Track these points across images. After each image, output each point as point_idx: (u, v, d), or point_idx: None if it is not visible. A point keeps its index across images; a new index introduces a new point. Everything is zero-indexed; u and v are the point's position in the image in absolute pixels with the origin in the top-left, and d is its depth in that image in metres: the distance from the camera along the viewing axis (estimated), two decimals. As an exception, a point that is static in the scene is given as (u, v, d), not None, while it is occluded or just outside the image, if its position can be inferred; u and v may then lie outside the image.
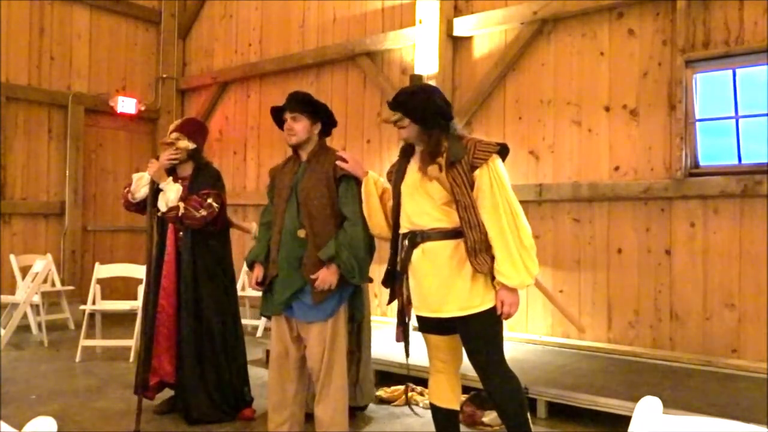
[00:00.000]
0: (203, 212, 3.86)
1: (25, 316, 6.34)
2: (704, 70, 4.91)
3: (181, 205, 3.85)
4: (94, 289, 5.80)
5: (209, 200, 3.89)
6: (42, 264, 6.39)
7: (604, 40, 5.35)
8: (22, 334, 6.47)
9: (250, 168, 8.07)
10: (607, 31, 5.34)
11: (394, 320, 2.97)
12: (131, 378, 4.30)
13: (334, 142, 3.49)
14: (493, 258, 2.62)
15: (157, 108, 8.76)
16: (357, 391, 4.01)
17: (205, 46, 8.72)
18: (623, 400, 3.75)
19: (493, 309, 2.66)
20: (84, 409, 4.21)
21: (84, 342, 5.59)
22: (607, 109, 5.31)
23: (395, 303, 2.94)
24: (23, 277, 6.62)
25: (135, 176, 4.11)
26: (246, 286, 7.04)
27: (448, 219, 2.68)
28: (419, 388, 4.38)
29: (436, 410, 2.91)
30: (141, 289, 5.44)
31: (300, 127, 3.24)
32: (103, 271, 5.90)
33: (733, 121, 4.85)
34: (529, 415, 2.76)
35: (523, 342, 5.42)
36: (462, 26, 6.04)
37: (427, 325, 2.83)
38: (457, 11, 6.14)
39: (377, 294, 6.44)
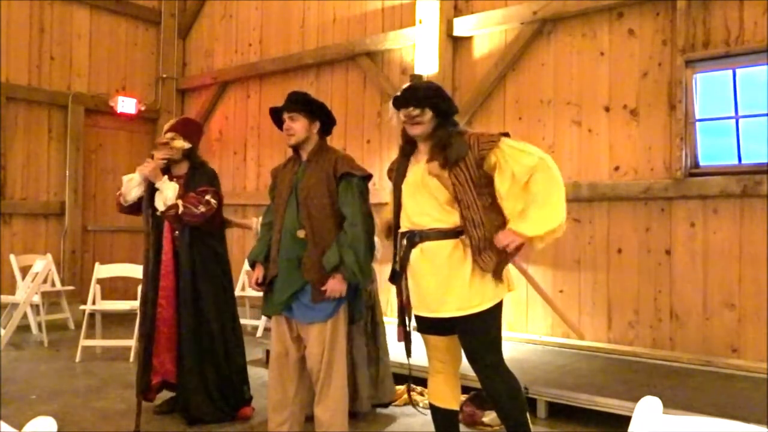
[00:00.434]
0: (202, 208, 3.84)
1: (25, 316, 6.34)
2: (704, 70, 4.91)
3: (180, 202, 3.83)
4: (94, 289, 5.80)
5: (207, 197, 3.88)
6: (42, 264, 6.39)
7: (604, 40, 5.35)
8: (22, 334, 6.47)
9: (250, 168, 8.07)
10: (607, 31, 5.34)
11: (395, 320, 2.98)
12: (131, 378, 4.29)
13: (334, 142, 3.49)
14: (498, 254, 2.62)
15: (157, 108, 8.76)
16: (379, 389, 4.06)
17: (205, 46, 8.72)
18: (623, 400, 3.75)
19: (492, 309, 2.66)
20: (84, 409, 4.21)
21: (84, 342, 5.59)
22: (607, 109, 5.31)
23: (395, 303, 2.94)
24: (23, 277, 6.63)
25: (125, 178, 4.05)
26: (246, 286, 7.04)
27: (449, 219, 2.68)
28: (419, 388, 4.39)
29: (435, 411, 2.91)
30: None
31: (298, 126, 3.25)
32: (103, 271, 5.90)
33: (733, 121, 4.85)
34: (528, 415, 2.76)
35: (523, 342, 5.42)
36: (462, 26, 6.04)
37: (426, 326, 2.83)
38: (457, 11, 6.14)
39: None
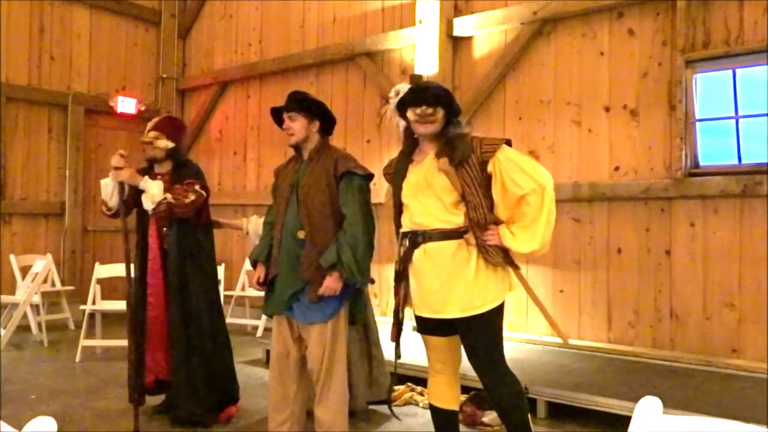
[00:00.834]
0: (192, 197, 3.79)
1: (25, 316, 6.33)
2: (704, 70, 4.91)
3: (168, 195, 3.77)
4: (94, 289, 5.79)
5: (195, 187, 3.85)
6: (42, 264, 6.39)
7: (604, 40, 5.35)
8: (22, 334, 6.46)
9: (250, 168, 8.07)
10: (607, 31, 5.34)
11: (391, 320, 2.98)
12: (131, 378, 4.29)
13: (334, 142, 3.48)
14: (504, 250, 2.66)
15: (157, 108, 8.75)
16: (374, 387, 4.07)
17: (205, 46, 8.72)
18: (623, 400, 3.75)
19: (495, 310, 2.67)
20: (84, 409, 4.21)
21: (84, 342, 5.59)
22: (607, 109, 5.31)
23: (393, 303, 2.94)
24: (23, 277, 6.63)
25: (102, 183, 3.94)
26: (246, 286, 7.04)
27: (452, 220, 2.68)
28: (419, 388, 4.39)
29: (435, 411, 2.91)
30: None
31: (297, 126, 3.25)
32: (103, 271, 5.89)
33: (733, 121, 4.85)
34: (529, 415, 2.76)
35: (523, 342, 5.42)
36: (462, 26, 6.04)
37: (427, 326, 2.82)
38: (457, 11, 6.15)
39: (377, 294, 6.44)
